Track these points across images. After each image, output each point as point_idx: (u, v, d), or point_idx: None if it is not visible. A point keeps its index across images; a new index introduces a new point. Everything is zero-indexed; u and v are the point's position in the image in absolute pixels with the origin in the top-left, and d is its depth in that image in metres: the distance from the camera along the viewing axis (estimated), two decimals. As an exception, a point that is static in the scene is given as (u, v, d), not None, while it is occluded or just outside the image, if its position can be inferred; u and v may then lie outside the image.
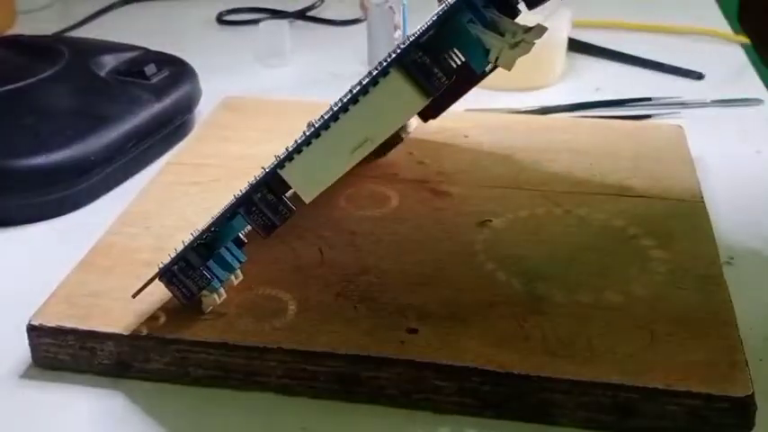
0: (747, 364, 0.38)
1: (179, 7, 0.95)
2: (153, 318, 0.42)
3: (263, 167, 0.40)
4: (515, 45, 0.36)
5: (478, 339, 0.40)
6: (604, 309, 0.42)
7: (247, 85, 0.75)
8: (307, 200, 0.39)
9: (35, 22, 0.91)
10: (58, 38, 0.82)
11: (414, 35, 0.37)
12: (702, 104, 0.69)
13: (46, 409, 0.41)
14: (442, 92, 0.37)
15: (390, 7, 0.73)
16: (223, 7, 0.92)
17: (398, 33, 0.73)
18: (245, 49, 0.82)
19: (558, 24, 0.71)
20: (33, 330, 0.42)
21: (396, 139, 0.57)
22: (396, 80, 0.37)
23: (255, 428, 0.40)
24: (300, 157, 0.38)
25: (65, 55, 0.67)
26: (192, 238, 0.42)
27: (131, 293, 0.43)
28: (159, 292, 0.42)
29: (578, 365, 0.39)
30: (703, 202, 0.51)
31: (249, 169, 0.55)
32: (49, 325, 0.42)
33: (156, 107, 0.63)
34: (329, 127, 0.38)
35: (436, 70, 0.36)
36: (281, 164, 0.39)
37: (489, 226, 0.49)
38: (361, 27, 0.82)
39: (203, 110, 0.68)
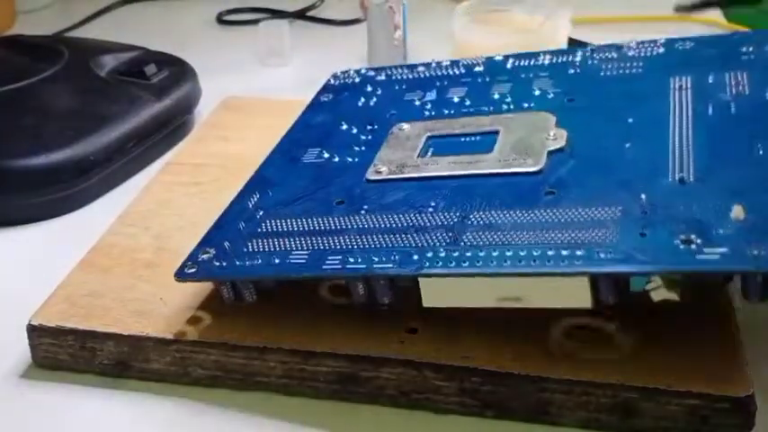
0: (747, 364, 0.38)
1: (179, 7, 0.95)
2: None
3: (397, 259, 0.39)
4: (670, 288, 0.37)
5: (478, 339, 0.40)
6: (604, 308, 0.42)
7: (247, 85, 0.75)
8: (425, 305, 0.39)
9: (35, 22, 0.91)
10: (58, 38, 0.82)
11: (615, 259, 0.36)
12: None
13: (46, 409, 0.41)
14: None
15: (390, 7, 0.73)
16: (223, 7, 0.92)
17: (398, 33, 0.73)
18: (245, 48, 0.82)
19: (557, 24, 0.71)
20: (33, 330, 0.43)
21: None
22: (583, 284, 0.36)
23: (255, 428, 0.40)
24: (446, 281, 0.38)
25: (65, 55, 0.67)
26: (267, 261, 0.41)
27: (126, 295, 0.43)
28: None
29: (578, 365, 0.39)
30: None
31: (249, 169, 0.55)
32: (49, 325, 0.42)
33: (157, 107, 0.63)
34: (494, 276, 0.37)
35: (612, 297, 0.37)
36: (422, 272, 0.37)
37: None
38: (361, 27, 0.82)
39: (203, 110, 0.68)
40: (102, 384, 0.42)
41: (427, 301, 0.39)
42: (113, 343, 0.42)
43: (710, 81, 0.46)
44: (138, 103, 0.62)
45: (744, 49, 0.48)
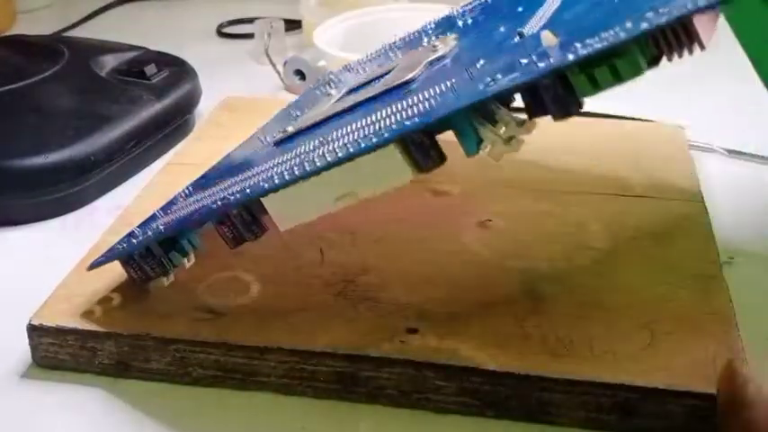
0: (747, 364, 0.38)
1: (179, 7, 0.95)
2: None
3: (246, 188, 0.40)
4: (508, 141, 0.36)
5: (478, 339, 0.40)
6: (604, 309, 0.42)
7: (247, 85, 0.75)
8: (282, 229, 0.40)
9: (35, 22, 0.91)
10: (58, 38, 0.82)
11: (417, 114, 0.37)
12: (702, 104, 0.69)
13: (46, 409, 0.41)
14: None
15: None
16: (223, 9, 0.92)
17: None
18: (245, 49, 0.82)
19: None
20: (34, 330, 0.43)
21: None
22: (393, 153, 0.37)
23: (255, 428, 0.40)
24: (286, 192, 0.39)
25: (65, 55, 0.67)
26: (156, 226, 0.43)
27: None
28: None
29: (578, 365, 0.39)
30: (703, 201, 0.51)
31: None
32: (50, 324, 0.42)
33: (157, 107, 0.63)
34: (320, 173, 0.38)
35: (433, 153, 0.37)
36: (264, 192, 0.39)
37: (489, 226, 0.49)
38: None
39: (203, 110, 0.68)
40: (103, 384, 0.42)
41: (282, 225, 0.39)
42: (113, 342, 0.42)
43: None
44: (139, 103, 0.62)
45: None
